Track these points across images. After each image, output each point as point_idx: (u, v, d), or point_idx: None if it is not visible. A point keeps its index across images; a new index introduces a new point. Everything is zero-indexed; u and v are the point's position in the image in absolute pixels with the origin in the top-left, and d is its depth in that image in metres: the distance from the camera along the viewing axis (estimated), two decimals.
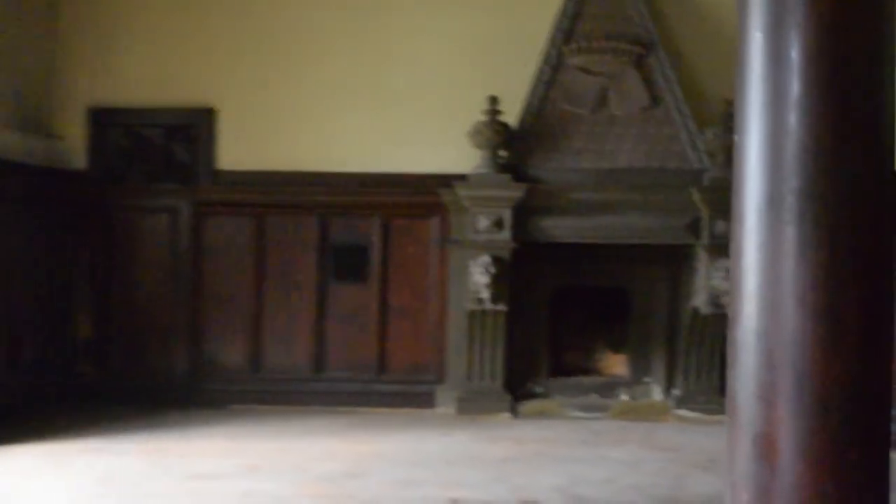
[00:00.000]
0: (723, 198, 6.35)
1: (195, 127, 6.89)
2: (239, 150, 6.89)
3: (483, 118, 6.26)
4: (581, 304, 7.02)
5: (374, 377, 6.93)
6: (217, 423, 6.23)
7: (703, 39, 6.89)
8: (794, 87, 2.23)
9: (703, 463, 5.50)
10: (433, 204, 6.81)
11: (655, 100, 6.51)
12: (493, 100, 6.26)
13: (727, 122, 6.21)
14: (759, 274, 2.31)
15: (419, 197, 6.86)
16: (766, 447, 2.22)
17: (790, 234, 2.25)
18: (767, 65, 2.29)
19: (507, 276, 6.15)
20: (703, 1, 6.92)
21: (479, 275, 6.08)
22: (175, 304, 6.86)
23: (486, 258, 6.09)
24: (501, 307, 6.18)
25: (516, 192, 6.16)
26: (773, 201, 2.29)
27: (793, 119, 2.25)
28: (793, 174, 2.26)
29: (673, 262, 6.67)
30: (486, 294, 6.06)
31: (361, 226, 6.94)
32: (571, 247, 6.37)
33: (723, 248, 6.14)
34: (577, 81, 6.56)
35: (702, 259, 6.26)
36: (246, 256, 6.89)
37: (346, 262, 6.93)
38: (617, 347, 7.02)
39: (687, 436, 6.17)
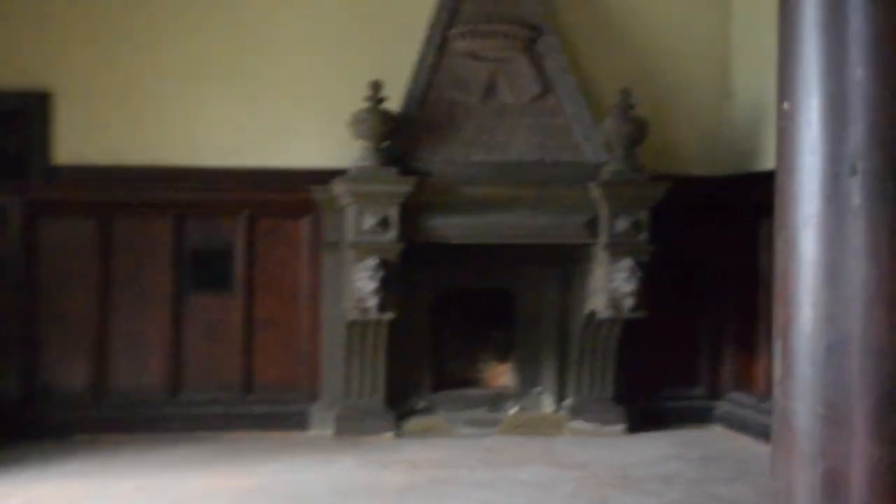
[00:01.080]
0: (623, 193, 6.03)
1: (25, 114, 5.93)
2: (79, 141, 5.97)
3: (365, 105, 5.62)
4: (465, 309, 6.47)
5: (239, 397, 6.16)
6: (59, 458, 5.33)
7: (593, 26, 6.48)
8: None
9: (618, 482, 5.05)
10: (304, 202, 6.12)
11: (547, 88, 6.04)
12: (376, 85, 5.63)
13: (625, 112, 5.80)
14: (822, 271, 1.83)
15: (289, 194, 6.15)
16: (836, 483, 1.75)
17: (865, 219, 1.78)
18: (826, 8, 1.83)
19: (396, 282, 5.52)
20: None
21: (365, 280, 5.43)
22: (3, 319, 5.88)
23: (372, 261, 5.45)
24: (389, 315, 5.55)
25: (404, 186, 5.55)
26: (838, 180, 1.81)
27: (860, 74, 1.79)
28: (863, 143, 1.79)
29: (563, 262, 6.21)
30: (373, 302, 5.42)
31: (223, 228, 6.17)
32: (454, 247, 5.80)
33: (624, 246, 5.74)
34: (464, 67, 6.01)
35: (600, 259, 5.82)
36: (89, 263, 5.98)
37: (206, 269, 6.15)
38: (503, 356, 6.50)
39: (588, 451, 5.71)
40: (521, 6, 6.15)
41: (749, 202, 6.23)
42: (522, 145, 5.93)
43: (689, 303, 6.49)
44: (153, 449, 5.57)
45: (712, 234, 6.52)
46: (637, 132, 5.78)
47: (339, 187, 5.69)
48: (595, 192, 5.72)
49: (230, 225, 6.15)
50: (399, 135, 5.72)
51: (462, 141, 5.89)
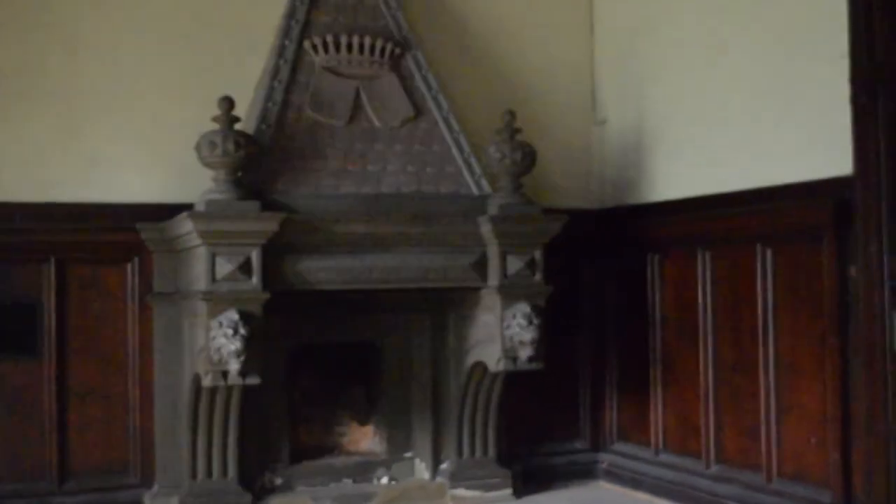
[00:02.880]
0: (516, 229, 5.32)
1: None
2: None
3: (215, 126, 4.66)
4: (325, 366, 5.58)
5: (52, 487, 4.98)
6: None
7: (457, 47, 5.82)
8: None
9: None
10: (129, 244, 5.08)
11: (419, 110, 5.29)
12: (228, 102, 4.67)
13: (510, 136, 5.15)
14: None
15: (110, 235, 5.08)
16: None
17: None
18: None
19: (258, 339, 4.56)
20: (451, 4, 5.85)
21: (223, 339, 4.44)
22: None
23: (233, 315, 4.47)
24: (254, 380, 4.58)
25: (270, 224, 4.61)
26: None
27: None
28: None
29: (437, 308, 5.46)
30: (234, 365, 4.43)
31: (26, 276, 4.99)
32: (312, 294, 4.92)
33: (519, 289, 5.06)
34: (325, 85, 5.16)
35: (490, 304, 5.10)
36: None
37: (5, 329, 4.95)
38: (366, 417, 5.66)
39: None
40: (379, 19, 5.39)
41: (634, 236, 5.72)
42: (397, 175, 5.14)
43: (569, 347, 5.89)
44: None
45: (594, 272, 5.98)
46: (525, 160, 5.13)
47: (182, 226, 4.68)
48: (484, 228, 5.01)
49: (35, 273, 4.98)
50: (254, 163, 4.78)
51: (328, 170, 5.03)
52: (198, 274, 4.66)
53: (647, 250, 5.64)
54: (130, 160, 5.16)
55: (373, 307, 5.32)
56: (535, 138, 5.37)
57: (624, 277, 5.84)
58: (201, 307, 4.57)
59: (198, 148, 4.65)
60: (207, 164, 4.67)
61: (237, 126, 4.71)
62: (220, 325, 4.47)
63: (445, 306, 5.42)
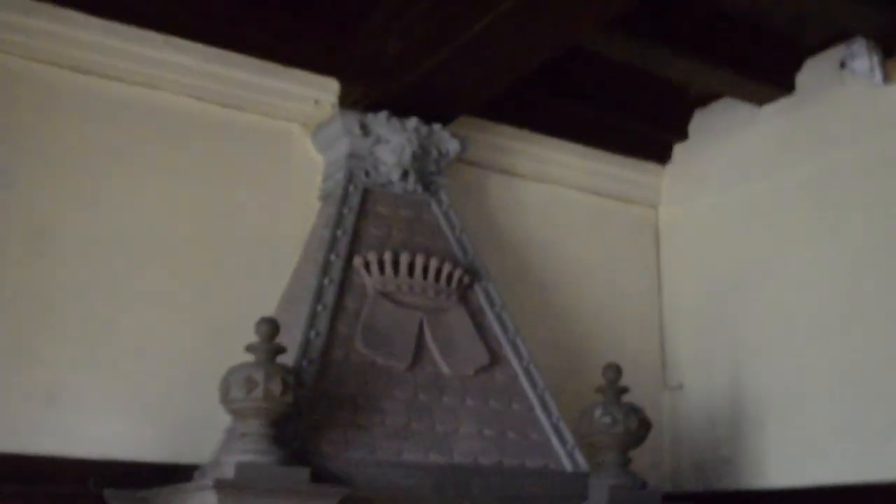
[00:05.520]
0: None
1: None
2: None
3: (255, 355, 3.31)
4: None
5: None
6: None
7: (516, 276, 4.70)
8: None
9: None
10: None
11: (494, 357, 4.06)
12: (271, 326, 3.36)
13: (616, 397, 3.94)
14: None
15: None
16: None
17: None
18: None
19: None
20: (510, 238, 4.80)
21: None
22: None
23: None
24: None
25: (324, 503, 3.18)
26: None
27: None
28: None
29: None
30: None
31: None
32: None
33: None
34: (381, 315, 3.91)
35: None
36: None
37: None
38: None
39: None
40: (439, 239, 4.26)
41: None
42: (471, 440, 3.82)
43: None
44: None
45: None
46: (641, 428, 3.91)
47: (191, 499, 3.20)
48: None
49: None
50: (293, 413, 3.41)
51: (387, 429, 3.67)
52: None
53: None
54: (100, 399, 3.70)
55: None
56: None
57: None
58: None
59: (224, 387, 3.28)
60: (236, 411, 3.28)
61: (279, 360, 3.37)
62: None
63: None
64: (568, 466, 3.92)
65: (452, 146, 4.36)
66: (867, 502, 4.11)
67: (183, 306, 3.94)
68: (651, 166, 5.26)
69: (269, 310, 3.86)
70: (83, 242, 3.80)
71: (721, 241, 5.01)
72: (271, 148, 4.30)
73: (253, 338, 3.36)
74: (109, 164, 3.92)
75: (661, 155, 5.27)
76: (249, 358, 3.33)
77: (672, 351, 5.11)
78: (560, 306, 4.82)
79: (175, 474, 3.48)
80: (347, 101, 4.23)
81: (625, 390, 3.97)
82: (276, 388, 3.21)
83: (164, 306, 3.90)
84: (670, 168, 5.29)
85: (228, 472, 3.11)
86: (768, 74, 4.61)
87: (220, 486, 3.01)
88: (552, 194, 4.99)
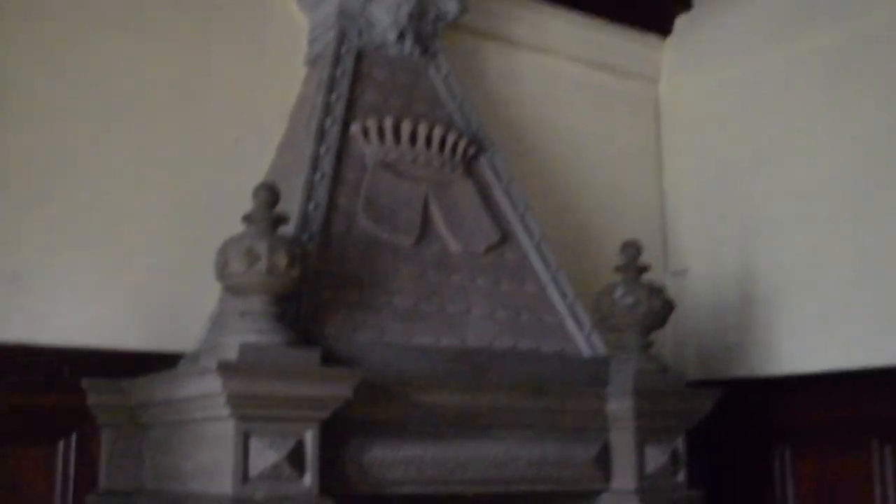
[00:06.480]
0: (660, 408, 3.27)
1: None
2: None
3: (255, 222, 2.93)
4: None
5: None
6: None
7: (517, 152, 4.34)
8: None
9: None
10: (64, 411, 3.19)
11: (505, 234, 3.73)
12: (270, 193, 2.97)
13: (636, 276, 3.65)
14: None
15: (36, 396, 3.16)
16: None
17: None
18: None
19: None
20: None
21: None
22: None
23: None
24: None
25: (340, 387, 2.84)
26: None
27: None
28: None
29: None
30: None
31: None
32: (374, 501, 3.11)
33: (662, 493, 3.44)
34: (383, 187, 3.53)
35: None
36: None
37: None
38: None
39: None
40: (438, 107, 3.88)
41: (746, 421, 4.26)
42: (484, 322, 3.49)
43: None
44: None
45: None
46: (664, 309, 3.62)
47: (189, 385, 2.84)
48: (616, 405, 3.41)
49: None
50: (294, 291, 3.04)
51: (395, 310, 3.32)
52: (209, 466, 2.80)
53: (771, 442, 4.19)
54: (71, 283, 3.30)
55: None
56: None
57: (731, 478, 4.32)
58: None
59: (221, 259, 2.89)
60: (235, 287, 2.90)
61: (280, 231, 2.99)
62: None
63: None
64: (585, 351, 3.62)
65: (452, 6, 3.95)
66: (883, 386, 3.91)
67: (158, 182, 3.53)
68: (652, 39, 4.91)
69: (254, 186, 3.46)
70: (49, 111, 3.35)
71: (727, 119, 4.71)
72: (249, 6, 3.86)
73: (236, 216, 2.98)
74: (76, 26, 3.46)
75: (662, 26, 4.92)
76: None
77: (675, 235, 4.83)
78: (561, 183, 4.50)
79: (157, 363, 3.11)
80: None
81: (645, 269, 3.67)
82: (282, 260, 2.83)
83: (137, 182, 3.50)
84: (672, 40, 4.96)
85: (231, 354, 2.74)
86: None
87: (224, 368, 2.64)
88: (549, 65, 4.63)
